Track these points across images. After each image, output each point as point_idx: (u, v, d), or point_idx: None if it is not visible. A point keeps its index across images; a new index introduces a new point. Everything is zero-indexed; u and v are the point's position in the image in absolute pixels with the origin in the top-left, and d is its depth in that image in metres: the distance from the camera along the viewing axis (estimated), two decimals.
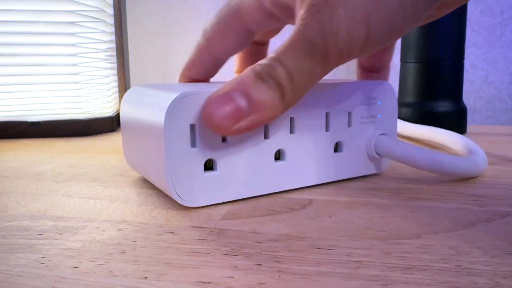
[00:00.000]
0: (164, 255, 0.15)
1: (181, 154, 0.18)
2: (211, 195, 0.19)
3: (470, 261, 0.14)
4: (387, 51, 0.24)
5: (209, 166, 0.19)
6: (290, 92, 0.17)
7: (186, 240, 0.16)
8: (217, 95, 0.17)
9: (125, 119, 0.23)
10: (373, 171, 0.24)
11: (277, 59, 0.17)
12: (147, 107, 0.20)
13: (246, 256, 0.15)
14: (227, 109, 0.17)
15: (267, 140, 0.20)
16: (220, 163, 0.19)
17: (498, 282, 0.13)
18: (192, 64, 0.24)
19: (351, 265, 0.14)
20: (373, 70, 0.25)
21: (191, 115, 0.18)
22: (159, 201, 0.20)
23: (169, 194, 0.19)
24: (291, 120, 0.21)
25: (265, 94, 0.17)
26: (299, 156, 0.21)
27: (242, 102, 0.17)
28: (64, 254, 0.15)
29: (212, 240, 0.16)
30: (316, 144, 0.22)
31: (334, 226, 0.17)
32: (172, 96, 0.18)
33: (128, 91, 0.23)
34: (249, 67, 0.18)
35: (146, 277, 0.13)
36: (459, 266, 0.14)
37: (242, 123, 0.17)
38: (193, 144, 0.18)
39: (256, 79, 0.17)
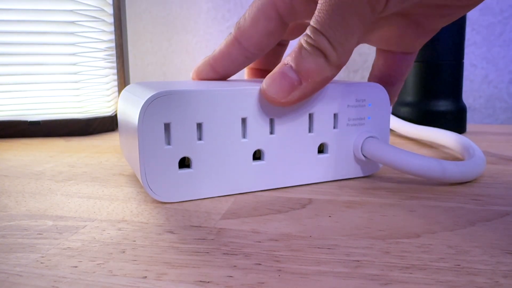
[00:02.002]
0: (164, 255, 0.15)
1: (155, 152, 0.19)
2: (186, 192, 0.20)
3: (469, 260, 0.14)
4: (407, 62, 0.24)
5: (187, 163, 0.20)
6: (333, 54, 0.19)
7: (185, 239, 0.16)
8: (271, 73, 0.20)
9: (119, 115, 0.24)
10: (361, 174, 0.24)
11: (313, 27, 0.19)
12: (129, 105, 0.21)
13: (245, 256, 0.15)
14: (278, 82, 0.19)
15: (245, 140, 0.20)
16: (196, 161, 0.20)
17: (497, 281, 0.13)
18: (221, 55, 0.24)
19: (351, 264, 0.14)
20: (387, 82, 0.24)
21: (166, 114, 0.19)
22: (159, 201, 0.20)
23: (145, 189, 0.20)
24: (271, 121, 0.21)
25: (309, 62, 0.19)
26: (279, 157, 0.21)
27: (291, 74, 0.19)
28: (64, 254, 0.15)
29: (212, 239, 0.16)
30: (298, 145, 0.22)
31: (334, 226, 0.17)
32: (147, 95, 0.18)
33: (125, 88, 0.24)
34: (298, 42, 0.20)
35: (146, 277, 0.13)
36: (459, 265, 0.14)
37: (296, 92, 0.19)
38: (168, 142, 0.19)
39: (299, 50, 0.19)
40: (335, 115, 0.22)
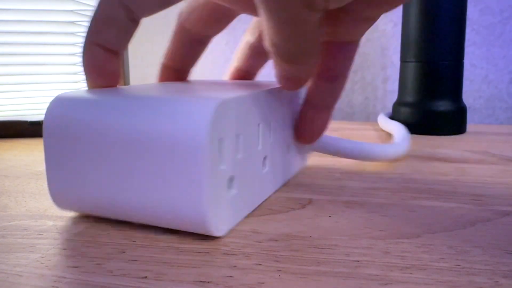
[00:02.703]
0: (164, 255, 0.15)
1: (213, 177, 0.15)
2: (231, 219, 0.17)
3: (469, 261, 0.14)
4: (346, 54, 0.21)
5: None
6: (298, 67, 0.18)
7: (185, 239, 0.16)
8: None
9: (74, 135, 0.16)
10: (303, 166, 0.26)
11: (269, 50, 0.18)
12: (155, 117, 0.15)
13: (245, 256, 0.15)
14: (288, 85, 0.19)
15: (260, 148, 0.19)
16: (238, 179, 0.17)
17: (497, 282, 0.13)
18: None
19: (351, 265, 0.14)
20: (328, 79, 0.21)
21: (221, 127, 0.15)
22: None
23: (194, 230, 0.16)
24: (270, 124, 0.20)
25: (287, 73, 0.18)
26: (275, 160, 0.21)
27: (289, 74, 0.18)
28: (64, 254, 0.15)
29: (212, 239, 0.16)
30: (282, 147, 0.22)
31: (334, 226, 0.17)
32: (205, 103, 0.14)
33: (57, 100, 0.17)
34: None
35: (146, 277, 0.13)
36: (459, 265, 0.14)
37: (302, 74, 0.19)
38: (221, 162, 0.15)
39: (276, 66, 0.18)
40: (293, 113, 0.23)
